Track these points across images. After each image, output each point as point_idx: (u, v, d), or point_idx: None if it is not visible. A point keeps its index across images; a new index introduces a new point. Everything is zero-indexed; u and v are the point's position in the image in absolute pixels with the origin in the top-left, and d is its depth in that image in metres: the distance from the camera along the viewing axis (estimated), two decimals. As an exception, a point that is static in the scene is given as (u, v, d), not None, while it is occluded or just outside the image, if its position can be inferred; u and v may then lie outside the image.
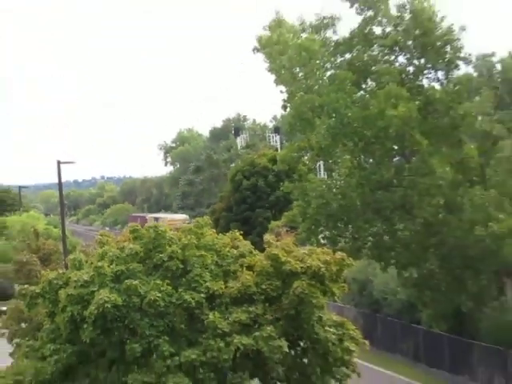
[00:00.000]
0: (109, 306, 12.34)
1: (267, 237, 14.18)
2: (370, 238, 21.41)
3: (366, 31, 19.93)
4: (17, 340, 19.06)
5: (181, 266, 13.21)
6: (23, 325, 20.07)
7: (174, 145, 65.66)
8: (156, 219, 40.66)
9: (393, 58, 20.25)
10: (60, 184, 28.42)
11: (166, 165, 66.83)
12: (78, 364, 13.17)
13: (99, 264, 13.28)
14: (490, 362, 20.50)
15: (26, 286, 14.84)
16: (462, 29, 19.64)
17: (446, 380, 22.08)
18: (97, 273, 13.11)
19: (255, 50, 21.61)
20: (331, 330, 12.98)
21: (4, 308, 24.93)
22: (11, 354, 17.87)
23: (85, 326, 12.62)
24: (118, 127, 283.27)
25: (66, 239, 29.30)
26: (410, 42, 19.92)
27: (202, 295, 12.88)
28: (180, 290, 12.89)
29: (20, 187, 60.43)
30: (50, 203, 77.35)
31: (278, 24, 21.16)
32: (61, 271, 14.78)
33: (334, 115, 19.92)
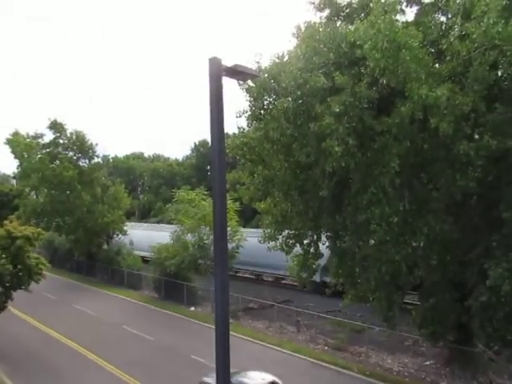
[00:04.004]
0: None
1: (6, 222, 23.12)
2: (54, 223, 49.00)
3: (56, 141, 47.38)
4: None
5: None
6: None
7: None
8: None
9: (68, 153, 48.25)
10: None
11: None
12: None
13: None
14: (100, 270, 50.94)
15: None
16: (96, 144, 49.70)
17: (80, 276, 47.01)
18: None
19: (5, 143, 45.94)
20: (33, 260, 22.05)
21: None
22: None
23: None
24: None
25: None
26: (75, 147, 48.61)
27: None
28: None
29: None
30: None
31: (16, 133, 45.63)
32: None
33: (40, 174, 46.35)
